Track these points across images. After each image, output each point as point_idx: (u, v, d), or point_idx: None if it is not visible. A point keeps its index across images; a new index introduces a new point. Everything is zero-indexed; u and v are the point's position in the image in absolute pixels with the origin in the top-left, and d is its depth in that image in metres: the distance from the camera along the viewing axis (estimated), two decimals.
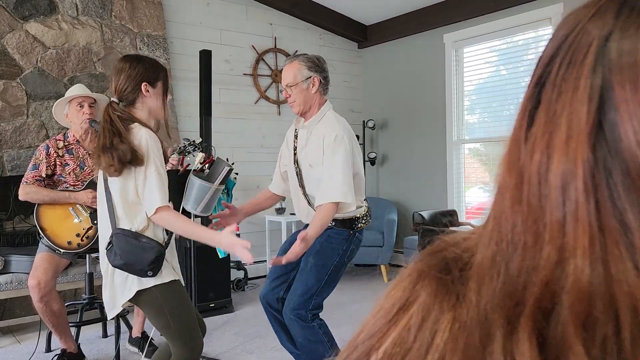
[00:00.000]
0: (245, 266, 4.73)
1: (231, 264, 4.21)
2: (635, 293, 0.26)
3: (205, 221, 3.78)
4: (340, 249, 2.36)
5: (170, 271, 1.92)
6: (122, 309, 1.91)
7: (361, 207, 2.41)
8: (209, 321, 3.70)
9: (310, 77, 2.29)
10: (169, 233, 1.95)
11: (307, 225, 2.38)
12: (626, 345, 0.26)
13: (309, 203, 2.37)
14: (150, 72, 1.95)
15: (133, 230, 1.85)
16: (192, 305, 2.01)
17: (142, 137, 1.84)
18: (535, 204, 0.29)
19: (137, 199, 1.86)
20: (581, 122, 0.28)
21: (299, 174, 2.37)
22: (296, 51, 5.30)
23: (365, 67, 5.95)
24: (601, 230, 0.27)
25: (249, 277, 4.84)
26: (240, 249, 1.73)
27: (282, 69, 5.74)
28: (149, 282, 1.85)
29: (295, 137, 2.41)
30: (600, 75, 0.28)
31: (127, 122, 1.88)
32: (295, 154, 2.39)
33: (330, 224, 2.31)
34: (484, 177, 5.13)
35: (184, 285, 2.02)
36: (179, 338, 1.90)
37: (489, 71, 4.92)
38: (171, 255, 1.99)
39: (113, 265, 1.84)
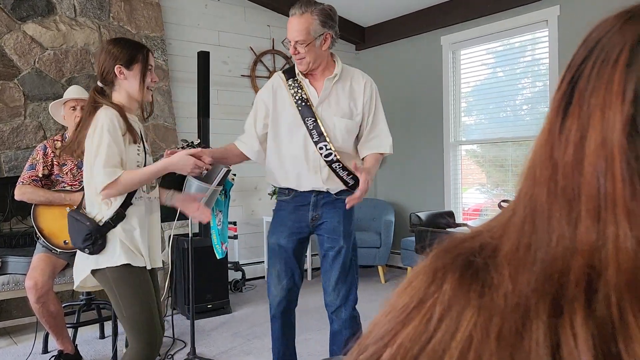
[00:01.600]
0: (243, 267, 4.73)
1: (229, 265, 4.21)
2: None
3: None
4: (354, 219, 2.28)
5: (128, 255, 1.86)
6: (78, 283, 1.96)
7: None
8: (206, 322, 3.70)
9: (323, 33, 2.08)
10: (115, 212, 1.88)
11: (309, 192, 2.17)
12: None
13: (333, 162, 2.13)
14: (124, 54, 1.93)
15: (83, 211, 1.91)
16: (150, 297, 1.92)
17: (98, 120, 1.86)
18: (570, 194, 0.31)
19: (89, 180, 1.90)
20: (616, 115, 0.29)
21: (317, 128, 2.12)
22: None
23: (363, 69, 5.92)
24: (636, 216, 0.28)
25: (247, 278, 4.84)
26: (194, 167, 1.90)
27: (280, 70, 5.70)
28: (103, 263, 1.87)
29: (297, 90, 2.17)
30: (635, 71, 0.30)
31: (97, 107, 1.91)
32: (309, 106, 2.13)
33: (347, 184, 2.17)
34: (481, 179, 5.15)
35: (151, 273, 1.98)
36: (131, 328, 1.88)
37: (486, 73, 4.93)
38: (136, 239, 1.91)
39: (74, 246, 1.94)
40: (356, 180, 2.15)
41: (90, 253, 1.86)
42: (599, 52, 0.32)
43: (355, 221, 2.30)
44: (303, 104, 2.14)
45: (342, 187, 2.20)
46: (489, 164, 5.01)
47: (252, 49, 5.11)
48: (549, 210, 0.31)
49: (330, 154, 2.13)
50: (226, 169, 2.42)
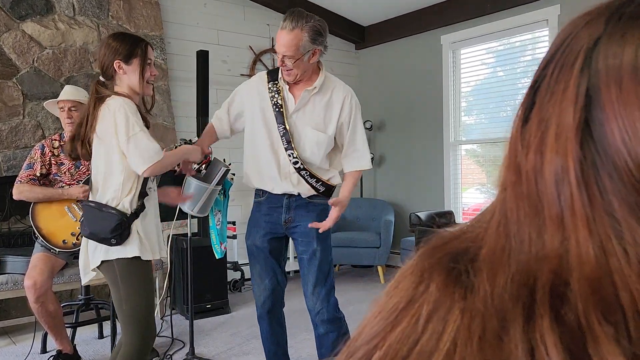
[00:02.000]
0: (242, 267, 4.72)
1: (228, 264, 4.20)
2: (629, 281, 0.27)
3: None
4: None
5: (137, 247, 1.89)
6: (93, 274, 1.98)
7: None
8: (205, 322, 3.69)
9: (312, 49, 2.06)
10: (140, 203, 1.93)
11: (281, 195, 2.22)
12: (632, 335, 0.26)
13: (300, 169, 2.17)
14: (123, 48, 1.94)
15: (103, 202, 1.91)
16: (152, 291, 1.97)
17: (112, 107, 1.87)
18: (534, 199, 0.31)
19: (110, 170, 1.91)
20: (569, 121, 0.30)
21: (286, 136, 2.15)
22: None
23: (363, 68, 5.95)
24: (594, 222, 0.28)
25: (246, 278, 4.83)
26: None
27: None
28: (113, 254, 1.88)
29: (274, 94, 2.19)
30: (587, 77, 0.30)
31: (102, 101, 1.92)
32: (281, 113, 2.16)
33: (317, 191, 2.23)
34: (480, 178, 5.14)
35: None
36: (129, 322, 1.89)
37: (486, 72, 4.92)
38: (149, 232, 1.95)
39: (84, 236, 1.95)
40: (326, 187, 2.23)
41: (116, 244, 1.87)
42: (560, 56, 0.32)
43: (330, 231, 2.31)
44: (277, 110, 2.17)
45: (313, 191, 2.23)
46: (489, 163, 5.01)
47: (251, 48, 5.09)
48: (517, 216, 0.32)
49: (297, 162, 2.17)
50: (225, 169, 2.41)
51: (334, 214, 2.16)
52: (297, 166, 2.17)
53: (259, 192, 2.31)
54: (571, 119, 0.29)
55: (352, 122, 2.21)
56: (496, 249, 0.32)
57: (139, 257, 1.90)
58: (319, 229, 2.19)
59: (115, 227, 1.85)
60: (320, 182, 2.21)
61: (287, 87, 2.18)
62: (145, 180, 1.95)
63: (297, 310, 3.79)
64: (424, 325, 0.31)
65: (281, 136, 2.16)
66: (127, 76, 1.96)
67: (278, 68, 2.22)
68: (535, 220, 0.31)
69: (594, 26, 0.31)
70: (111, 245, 1.87)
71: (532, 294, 0.29)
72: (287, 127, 2.15)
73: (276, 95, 2.18)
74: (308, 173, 2.19)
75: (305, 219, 2.21)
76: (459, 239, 0.36)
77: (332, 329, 2.22)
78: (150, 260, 1.96)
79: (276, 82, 2.20)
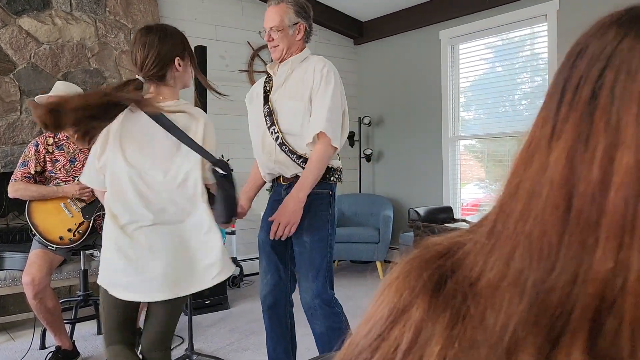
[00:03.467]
0: (240, 263, 4.72)
1: None
2: None
3: None
4: (327, 215, 2.18)
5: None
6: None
7: (337, 158, 2.25)
8: (204, 318, 3.70)
9: (297, 22, 2.17)
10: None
11: (279, 186, 2.25)
12: None
13: (281, 144, 2.16)
14: (179, 44, 1.79)
15: None
16: (111, 309, 1.81)
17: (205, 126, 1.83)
18: (588, 218, 0.28)
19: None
20: None
21: (270, 114, 2.19)
22: None
23: (361, 64, 5.93)
24: None
25: (245, 274, 4.83)
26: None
27: None
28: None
29: (267, 83, 2.28)
30: None
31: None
32: (266, 96, 2.23)
33: (301, 168, 2.15)
34: (479, 174, 5.14)
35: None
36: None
37: (485, 68, 4.91)
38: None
39: None
40: (297, 156, 2.17)
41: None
42: (620, 64, 0.30)
43: (330, 214, 2.21)
44: (265, 94, 2.25)
45: (294, 171, 2.17)
46: (487, 159, 5.01)
47: (249, 44, 5.08)
48: (557, 237, 0.29)
49: (278, 137, 2.17)
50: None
51: (275, 216, 2.09)
52: (278, 142, 2.16)
53: (268, 185, 2.39)
54: None
55: (320, 87, 2.12)
56: (507, 275, 0.30)
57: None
58: (307, 220, 2.13)
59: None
60: (302, 159, 2.14)
61: (276, 69, 2.25)
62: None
63: (296, 305, 3.79)
64: (404, 354, 0.29)
65: (265, 116, 2.21)
66: (183, 73, 1.81)
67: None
68: (585, 240, 0.28)
69: None
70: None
71: (558, 320, 0.27)
72: (270, 105, 2.21)
73: (269, 82, 2.28)
74: (287, 148, 2.14)
75: (301, 222, 2.14)
76: (452, 255, 0.33)
77: (329, 325, 2.16)
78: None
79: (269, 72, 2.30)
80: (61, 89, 2.87)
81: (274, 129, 2.18)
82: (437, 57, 5.12)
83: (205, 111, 4.00)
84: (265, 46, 5.15)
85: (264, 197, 2.52)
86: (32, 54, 3.83)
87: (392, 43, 5.57)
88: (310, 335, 3.37)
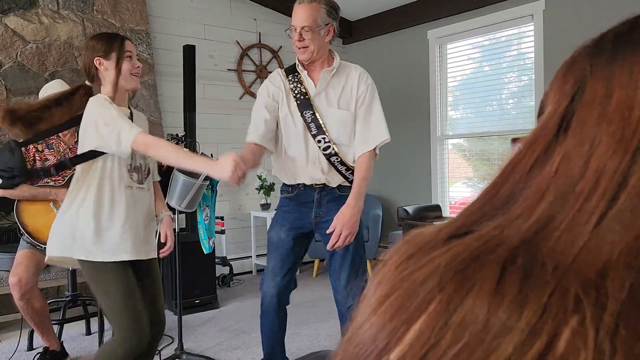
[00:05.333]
0: (230, 262, 4.72)
1: (216, 260, 4.19)
2: None
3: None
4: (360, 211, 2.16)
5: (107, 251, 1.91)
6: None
7: None
8: (194, 317, 3.69)
9: (328, 23, 2.09)
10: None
11: (312, 190, 2.18)
12: None
13: (332, 155, 2.14)
14: (101, 45, 1.95)
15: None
16: (132, 289, 1.93)
17: (86, 108, 1.92)
18: None
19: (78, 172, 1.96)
20: None
21: (315, 122, 2.13)
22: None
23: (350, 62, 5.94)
24: None
25: (235, 273, 4.83)
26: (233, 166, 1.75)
27: (266, 64, 5.60)
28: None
29: (297, 84, 2.18)
30: None
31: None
32: (307, 99, 2.14)
33: (347, 179, 2.15)
34: (467, 172, 5.18)
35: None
36: (111, 319, 1.94)
37: (473, 67, 4.96)
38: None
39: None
40: (344, 165, 2.18)
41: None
42: None
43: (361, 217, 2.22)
44: (302, 97, 2.16)
45: (343, 180, 2.18)
46: (475, 157, 5.05)
47: (238, 43, 5.07)
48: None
49: (329, 147, 2.14)
50: None
51: (335, 229, 2.03)
52: (327, 152, 2.14)
53: (288, 188, 2.27)
54: None
55: (367, 99, 2.18)
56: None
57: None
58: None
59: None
60: (350, 171, 2.16)
61: (306, 72, 2.18)
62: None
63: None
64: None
65: (309, 123, 2.13)
66: (108, 73, 1.97)
67: (292, 65, 2.23)
68: None
69: None
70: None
71: None
72: (315, 111, 2.13)
73: (299, 85, 2.18)
74: (338, 160, 2.14)
75: (337, 213, 2.11)
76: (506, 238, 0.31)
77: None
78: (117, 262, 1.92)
79: (296, 73, 2.20)
80: (58, 87, 2.86)
81: (323, 138, 2.13)
82: (425, 57, 5.15)
83: (194, 110, 4.00)
84: (253, 45, 5.15)
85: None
86: (19, 53, 3.80)
87: (380, 42, 5.60)
88: (300, 334, 3.39)
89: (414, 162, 5.29)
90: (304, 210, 2.21)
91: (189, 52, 4.00)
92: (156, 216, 2.22)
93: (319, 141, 2.13)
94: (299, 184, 2.22)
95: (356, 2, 5.27)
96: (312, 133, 2.14)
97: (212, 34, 4.92)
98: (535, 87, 4.29)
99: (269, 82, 2.24)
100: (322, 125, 2.13)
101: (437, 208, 4.83)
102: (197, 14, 4.83)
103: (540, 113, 0.37)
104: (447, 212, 5.03)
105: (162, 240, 2.24)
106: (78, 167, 1.97)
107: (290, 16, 2.19)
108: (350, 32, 5.80)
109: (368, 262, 4.88)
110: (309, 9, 2.06)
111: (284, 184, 2.30)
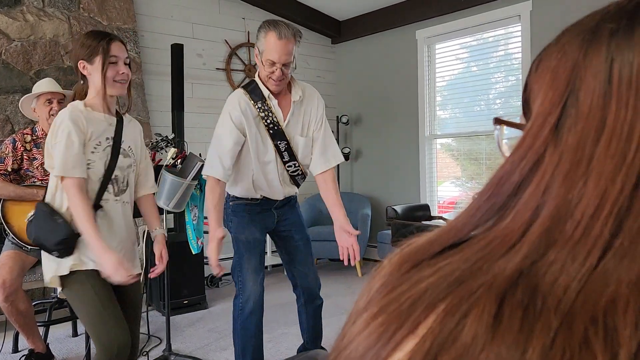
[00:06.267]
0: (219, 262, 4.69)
1: (205, 260, 4.17)
2: None
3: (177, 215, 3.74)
4: None
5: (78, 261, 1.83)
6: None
7: None
8: (182, 318, 3.67)
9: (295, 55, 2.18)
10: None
11: (274, 201, 2.35)
12: None
13: (298, 175, 2.34)
14: (85, 47, 1.84)
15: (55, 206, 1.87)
16: (103, 300, 1.85)
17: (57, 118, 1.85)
18: None
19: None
20: None
21: (288, 150, 2.24)
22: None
23: (339, 63, 5.96)
24: None
25: (224, 272, 4.80)
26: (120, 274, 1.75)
27: (255, 64, 5.61)
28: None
29: (268, 113, 2.18)
30: None
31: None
32: (280, 130, 2.20)
33: (295, 192, 2.42)
34: (455, 172, 5.21)
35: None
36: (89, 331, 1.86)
37: (461, 67, 4.99)
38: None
39: (28, 237, 1.90)
40: (304, 178, 2.40)
41: (59, 257, 1.82)
42: None
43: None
44: (275, 127, 2.21)
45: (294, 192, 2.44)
46: (463, 157, 5.08)
47: (227, 42, 5.05)
48: None
49: (297, 169, 2.32)
50: (201, 163, 2.39)
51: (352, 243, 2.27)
52: (295, 174, 2.32)
53: (248, 199, 2.34)
54: None
55: (324, 118, 2.34)
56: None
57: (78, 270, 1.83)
58: (303, 219, 2.48)
59: (61, 240, 1.79)
60: (302, 176, 2.40)
61: (276, 102, 2.21)
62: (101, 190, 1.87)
63: (275, 305, 3.79)
64: None
65: (282, 151, 2.25)
66: (92, 77, 1.85)
67: (252, 85, 2.20)
68: None
69: None
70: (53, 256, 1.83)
71: None
72: (289, 140, 2.25)
73: (270, 114, 2.19)
74: (302, 177, 2.37)
75: (293, 212, 2.43)
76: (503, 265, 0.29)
77: (318, 314, 2.48)
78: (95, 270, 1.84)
79: (265, 101, 2.19)
80: (50, 85, 2.81)
81: (294, 164, 2.29)
82: (413, 57, 5.17)
83: (182, 110, 3.97)
84: (242, 45, 5.12)
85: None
86: (3, 51, 3.74)
87: (369, 42, 5.61)
88: (289, 334, 3.39)
89: (403, 161, 5.31)
90: (267, 214, 2.37)
91: (177, 51, 3.98)
92: (150, 232, 2.17)
93: (290, 166, 2.29)
94: (262, 197, 2.34)
95: (345, 2, 5.27)
96: (284, 160, 2.27)
97: (200, 33, 4.89)
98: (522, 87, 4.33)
99: (232, 109, 2.18)
100: (295, 154, 2.27)
101: (426, 207, 4.85)
102: (185, 12, 4.80)
103: (524, 105, 0.35)
104: (435, 212, 5.06)
105: (157, 262, 2.15)
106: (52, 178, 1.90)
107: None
108: (339, 32, 5.80)
109: (356, 261, 4.89)
110: (290, 46, 2.07)
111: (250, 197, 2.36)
